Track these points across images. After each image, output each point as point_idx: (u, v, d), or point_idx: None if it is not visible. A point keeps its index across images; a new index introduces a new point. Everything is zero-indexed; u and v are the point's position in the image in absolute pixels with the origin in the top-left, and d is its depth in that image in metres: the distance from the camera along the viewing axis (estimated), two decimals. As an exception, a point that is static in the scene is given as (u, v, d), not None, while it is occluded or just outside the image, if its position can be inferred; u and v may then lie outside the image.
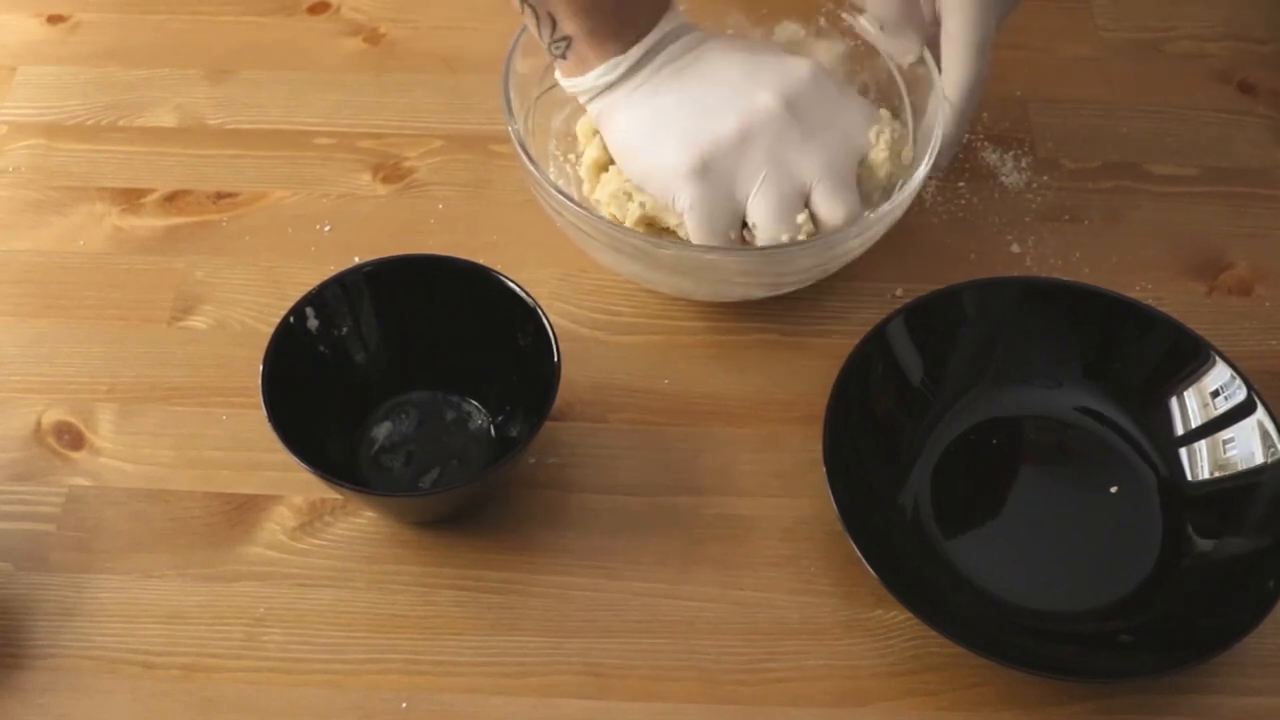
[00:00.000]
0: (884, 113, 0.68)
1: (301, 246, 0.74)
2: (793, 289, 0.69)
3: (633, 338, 0.71)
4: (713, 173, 0.64)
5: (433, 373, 0.66)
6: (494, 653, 0.61)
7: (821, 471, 0.62)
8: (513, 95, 0.68)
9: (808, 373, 0.69)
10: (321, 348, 0.64)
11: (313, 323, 0.63)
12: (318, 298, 0.63)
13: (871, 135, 0.67)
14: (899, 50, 0.71)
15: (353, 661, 0.61)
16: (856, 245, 0.67)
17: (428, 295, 0.65)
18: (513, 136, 0.67)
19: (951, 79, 0.68)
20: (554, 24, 0.64)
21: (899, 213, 0.66)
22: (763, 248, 0.65)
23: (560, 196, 0.65)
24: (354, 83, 0.82)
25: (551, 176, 0.69)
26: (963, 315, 0.68)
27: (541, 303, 0.63)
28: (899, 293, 0.72)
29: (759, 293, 0.70)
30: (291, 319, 0.63)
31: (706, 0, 0.74)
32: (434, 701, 0.60)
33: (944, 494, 0.65)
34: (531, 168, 0.66)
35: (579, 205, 0.65)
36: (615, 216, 0.67)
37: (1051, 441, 0.67)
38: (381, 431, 0.66)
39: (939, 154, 0.67)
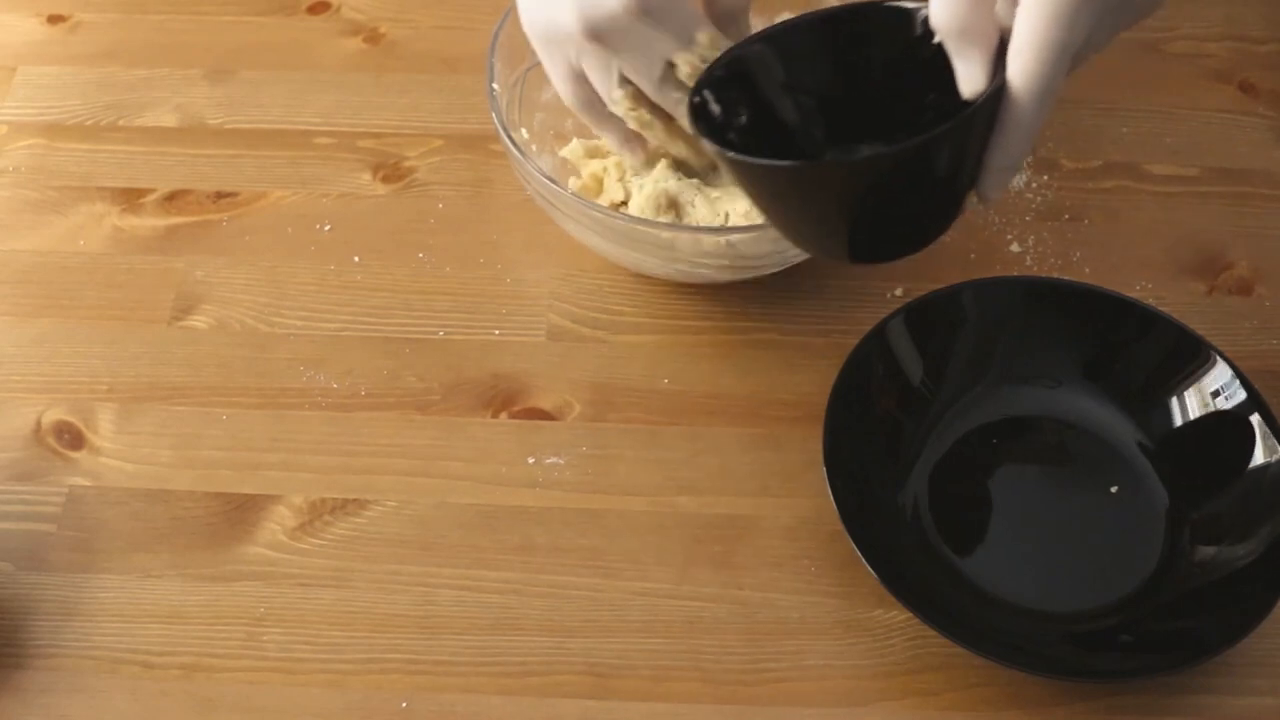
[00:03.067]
0: None
1: (301, 246, 0.74)
2: (756, 274, 0.69)
3: (633, 337, 0.71)
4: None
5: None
6: (494, 653, 0.61)
7: (821, 471, 0.62)
8: (499, 65, 0.69)
9: (808, 373, 0.69)
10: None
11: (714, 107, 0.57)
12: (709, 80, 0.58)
13: None
14: (961, 76, 0.52)
15: (353, 661, 0.61)
16: None
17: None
18: (489, 98, 0.67)
19: (1012, 79, 0.51)
20: None
21: None
22: (713, 228, 0.66)
23: (522, 158, 0.65)
24: (354, 83, 0.82)
25: (534, 151, 0.70)
26: (963, 315, 0.68)
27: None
28: (899, 293, 0.72)
29: (724, 276, 0.70)
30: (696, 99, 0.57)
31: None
32: (434, 701, 0.60)
33: (944, 494, 0.65)
34: (501, 128, 0.66)
35: (543, 174, 0.65)
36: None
37: (1051, 441, 0.67)
38: None
39: (989, 182, 0.54)
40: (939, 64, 0.53)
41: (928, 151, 0.52)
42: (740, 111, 0.59)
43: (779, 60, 0.59)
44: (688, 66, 0.62)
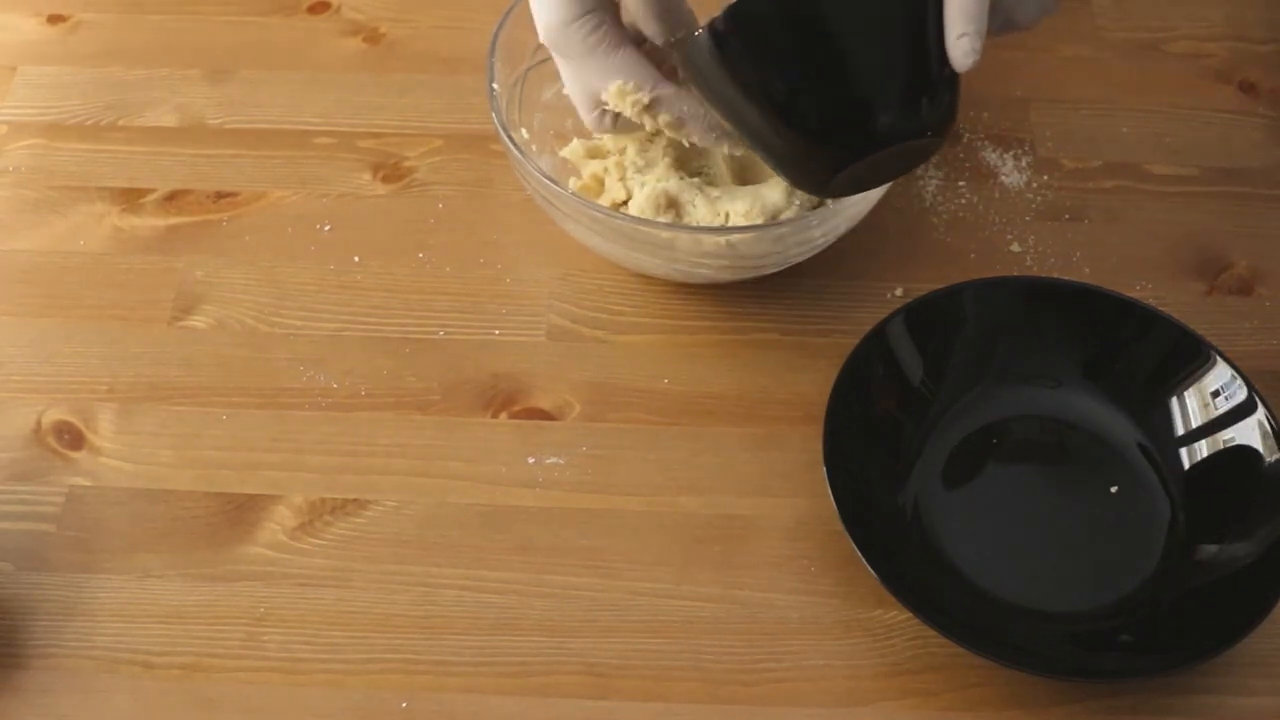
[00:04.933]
0: None
1: (301, 246, 0.74)
2: (756, 274, 0.69)
3: (633, 338, 0.71)
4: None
5: None
6: (494, 653, 0.61)
7: (821, 471, 0.62)
8: (499, 65, 0.69)
9: (808, 373, 0.69)
10: None
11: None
12: None
13: None
14: None
15: (353, 661, 0.61)
16: (817, 236, 0.67)
17: None
18: (490, 98, 0.67)
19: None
20: None
21: (866, 207, 0.67)
22: (713, 228, 0.66)
23: (522, 158, 0.65)
24: (354, 83, 0.82)
25: (534, 151, 0.70)
26: (963, 315, 0.68)
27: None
28: (899, 293, 0.72)
29: (724, 276, 0.69)
30: None
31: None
32: (434, 701, 0.60)
33: (944, 494, 0.65)
34: (501, 128, 0.66)
35: (543, 174, 0.65)
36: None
37: (1051, 441, 0.67)
38: None
39: (955, 46, 0.56)
40: None
41: None
42: None
43: None
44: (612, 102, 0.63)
